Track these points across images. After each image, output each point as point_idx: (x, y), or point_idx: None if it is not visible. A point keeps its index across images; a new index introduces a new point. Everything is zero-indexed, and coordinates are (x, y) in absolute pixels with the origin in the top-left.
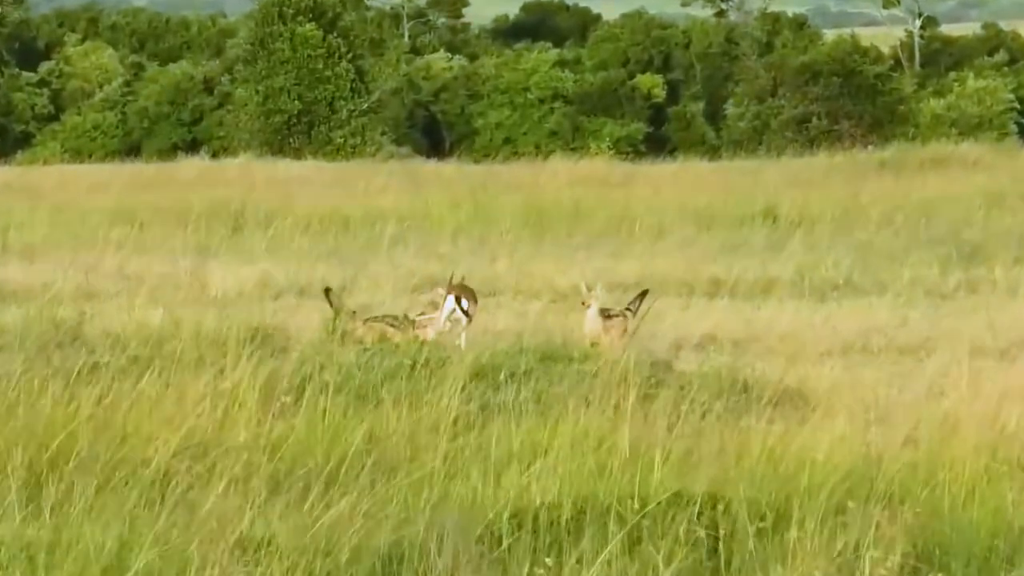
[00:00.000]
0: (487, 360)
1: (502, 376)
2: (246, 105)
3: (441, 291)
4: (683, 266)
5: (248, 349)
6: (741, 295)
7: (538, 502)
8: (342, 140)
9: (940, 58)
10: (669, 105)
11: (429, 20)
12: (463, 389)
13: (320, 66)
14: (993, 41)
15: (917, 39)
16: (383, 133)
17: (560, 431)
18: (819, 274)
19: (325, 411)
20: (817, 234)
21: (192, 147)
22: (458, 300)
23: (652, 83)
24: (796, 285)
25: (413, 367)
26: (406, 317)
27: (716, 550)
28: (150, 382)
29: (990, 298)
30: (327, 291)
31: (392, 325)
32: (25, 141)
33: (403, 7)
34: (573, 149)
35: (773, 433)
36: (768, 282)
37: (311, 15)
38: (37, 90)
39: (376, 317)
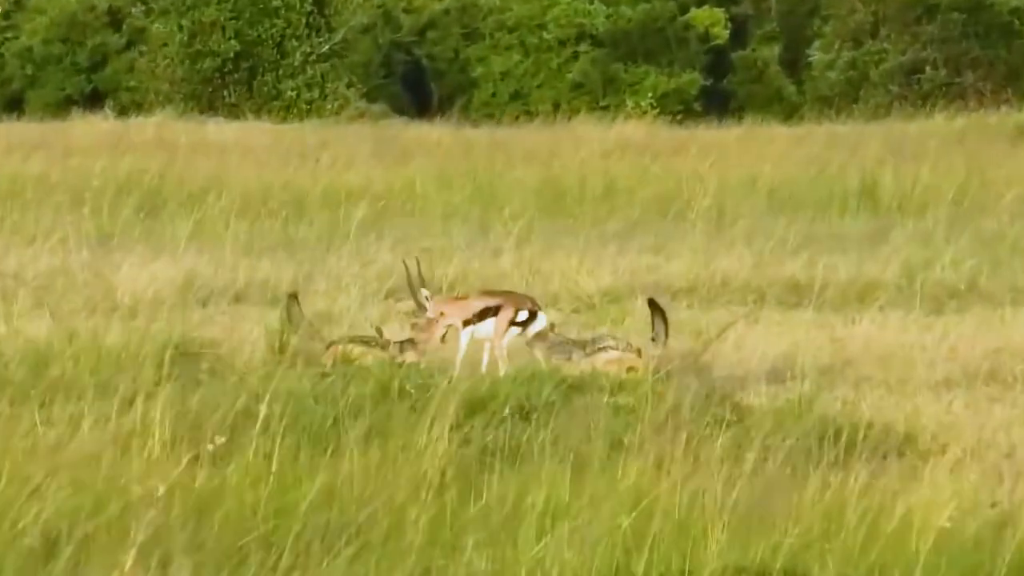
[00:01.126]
0: (488, 389)
1: (507, 410)
2: (165, 45)
3: (426, 296)
4: (751, 264)
5: (166, 372)
6: (829, 304)
7: None
8: (294, 93)
9: None
10: (734, 49)
11: None
12: (456, 427)
13: None
14: None
15: None
16: (350, 85)
17: (586, 486)
18: (933, 276)
19: (269, 457)
20: (932, 223)
21: (92, 101)
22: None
23: (712, 19)
24: (903, 291)
25: (387, 397)
26: (384, 338)
27: None
28: (30, 415)
29: None
30: (291, 298)
31: (367, 344)
32: None
33: None
34: (605, 108)
35: (872, 489)
36: (865, 287)
37: None
38: None
39: (352, 338)
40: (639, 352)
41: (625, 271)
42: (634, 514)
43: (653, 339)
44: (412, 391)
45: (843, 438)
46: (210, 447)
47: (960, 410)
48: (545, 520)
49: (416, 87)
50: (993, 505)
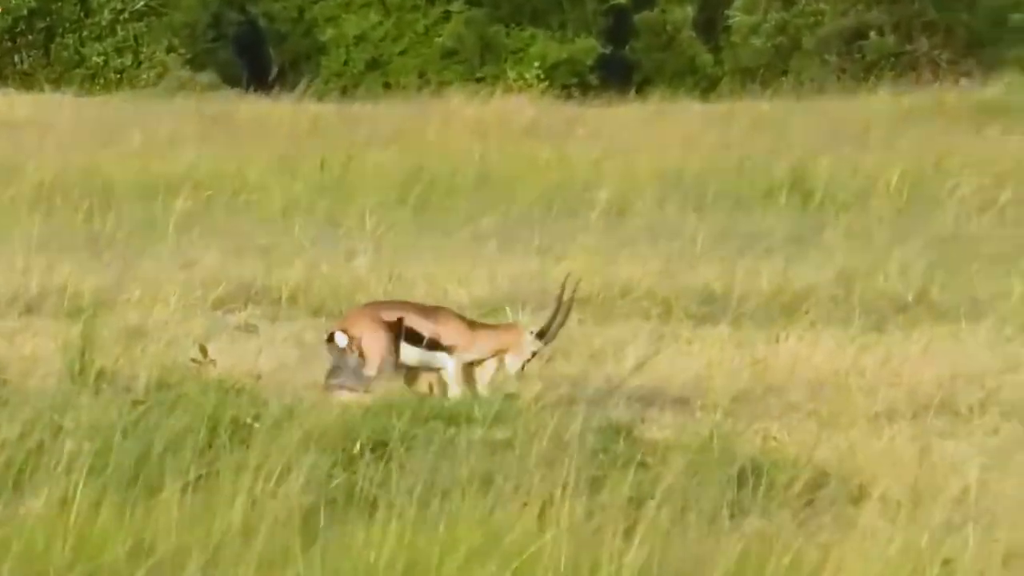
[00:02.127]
0: (337, 422)
1: (359, 447)
2: None
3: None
4: (657, 270)
5: None
6: (749, 318)
7: None
8: (101, 59)
9: None
10: (638, 10)
11: None
12: (298, 467)
13: None
14: None
15: None
16: (170, 49)
17: (455, 537)
18: (875, 286)
19: (67, 504)
20: (874, 221)
21: None
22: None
23: None
24: (838, 303)
25: (214, 431)
26: None
27: None
28: None
29: None
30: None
31: None
32: None
33: None
34: (481, 79)
35: (799, 541)
36: (793, 298)
37: None
38: None
39: None
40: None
41: (505, 277)
42: (511, 572)
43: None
44: (246, 423)
45: (764, 478)
46: None
47: (904, 446)
48: None
49: (252, 53)
50: (945, 562)
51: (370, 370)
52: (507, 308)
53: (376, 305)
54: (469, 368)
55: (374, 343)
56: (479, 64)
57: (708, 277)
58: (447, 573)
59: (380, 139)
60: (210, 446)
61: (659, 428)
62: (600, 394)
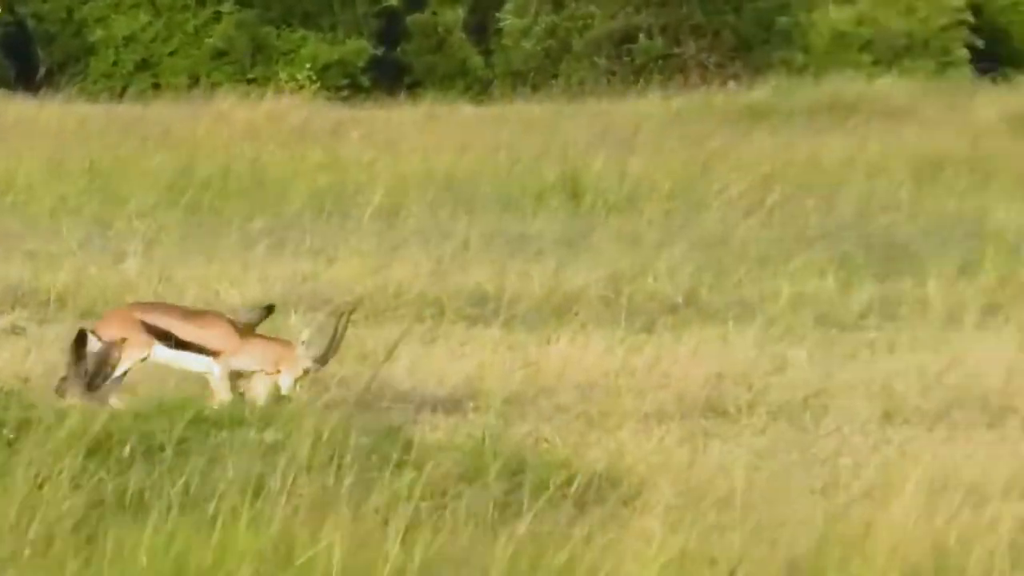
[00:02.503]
0: (106, 425)
1: (128, 450)
2: None
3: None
4: (428, 272)
5: None
6: (520, 320)
7: None
8: None
9: None
10: (409, 12)
11: None
12: (66, 472)
13: None
14: None
15: None
16: None
17: (227, 541)
18: (645, 288)
19: None
20: (644, 223)
21: None
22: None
23: None
24: (608, 305)
25: None
26: None
27: None
28: None
29: (918, 329)
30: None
31: None
32: None
33: None
34: (252, 81)
35: (571, 542)
36: (563, 300)
37: None
38: None
39: None
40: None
41: (277, 280)
42: (284, 572)
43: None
44: (7, 426)
45: (532, 478)
46: None
47: (673, 447)
48: None
49: (19, 54)
50: (712, 562)
51: (119, 371)
52: (293, 314)
53: (135, 307)
54: (242, 379)
55: (127, 345)
56: (250, 65)
57: (480, 279)
58: (218, 574)
59: (151, 140)
60: None
61: (431, 429)
62: (371, 396)
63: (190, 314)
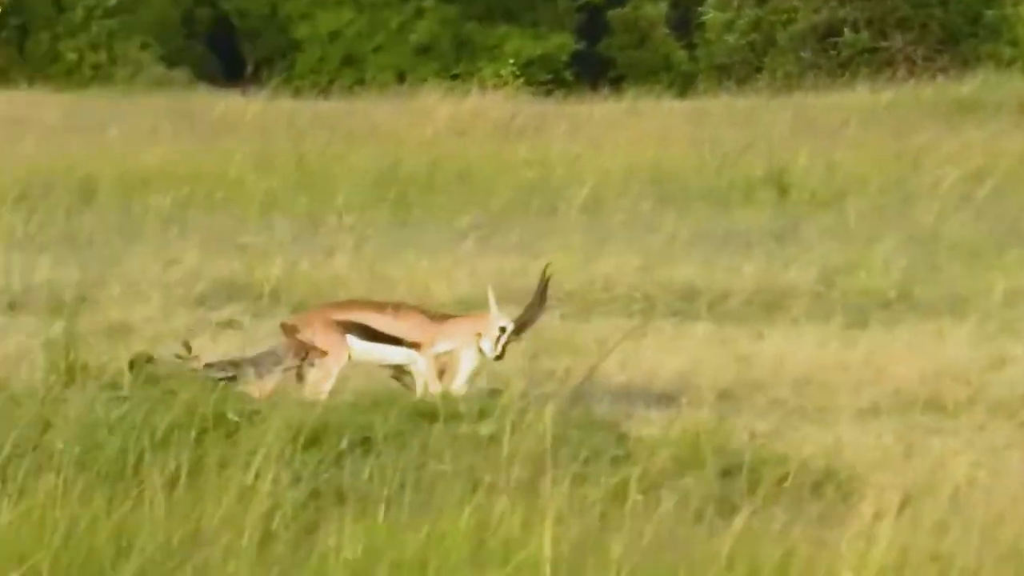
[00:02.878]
0: (322, 418)
1: (345, 443)
2: None
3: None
4: (637, 267)
5: None
6: (731, 315)
7: None
8: (76, 56)
9: None
10: (612, 7)
11: None
12: (284, 463)
13: None
14: None
15: None
16: (144, 46)
17: (440, 533)
18: (857, 282)
19: (53, 500)
20: (853, 217)
21: None
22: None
23: None
24: (820, 299)
25: (200, 426)
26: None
27: None
28: None
29: None
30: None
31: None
32: None
33: None
34: (457, 76)
35: (787, 538)
36: (775, 295)
37: None
38: None
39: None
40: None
41: (485, 275)
42: (502, 568)
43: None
44: (231, 419)
45: (747, 475)
46: None
47: (891, 443)
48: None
49: (226, 50)
50: (934, 558)
51: (323, 371)
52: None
53: (329, 307)
54: (450, 360)
55: (327, 345)
56: (454, 61)
57: (688, 273)
58: (433, 569)
59: (357, 136)
60: (196, 442)
61: (645, 424)
62: (585, 390)
63: (384, 308)
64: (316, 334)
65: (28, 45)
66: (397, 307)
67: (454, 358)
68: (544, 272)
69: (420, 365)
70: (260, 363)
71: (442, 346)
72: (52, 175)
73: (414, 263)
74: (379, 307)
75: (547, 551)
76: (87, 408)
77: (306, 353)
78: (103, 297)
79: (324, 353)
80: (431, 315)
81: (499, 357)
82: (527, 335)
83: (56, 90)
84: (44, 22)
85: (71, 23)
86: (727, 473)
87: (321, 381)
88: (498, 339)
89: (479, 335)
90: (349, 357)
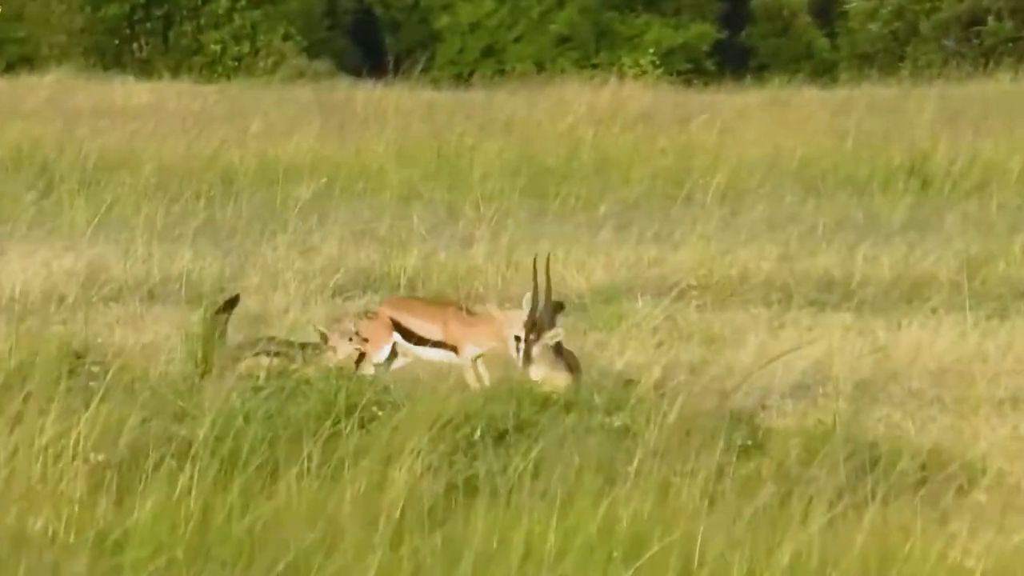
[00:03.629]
0: (456, 408)
1: (479, 434)
2: None
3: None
4: (775, 256)
5: (63, 385)
6: (869, 305)
7: None
8: (219, 47)
9: None
10: None
11: None
12: (418, 454)
13: None
14: None
15: None
16: (287, 37)
17: (574, 524)
18: (997, 272)
19: (189, 488)
20: (994, 207)
21: None
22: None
23: None
24: (959, 290)
25: (334, 417)
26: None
27: None
28: None
29: None
30: (229, 304)
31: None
32: None
33: None
34: (596, 66)
35: (923, 531)
36: (913, 284)
37: None
38: None
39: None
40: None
41: (622, 264)
42: (634, 562)
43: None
44: (367, 410)
45: (885, 467)
46: (109, 474)
47: None
48: (526, 567)
49: (367, 41)
50: None
51: (368, 365)
52: (639, 299)
53: (388, 302)
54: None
55: (371, 343)
56: (594, 51)
57: (827, 264)
58: (566, 559)
59: (495, 127)
60: (331, 432)
61: (780, 415)
62: (720, 381)
63: (428, 310)
64: (366, 326)
65: (172, 36)
66: (444, 308)
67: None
68: (535, 263)
69: (463, 363)
70: (309, 348)
71: (478, 349)
72: (193, 165)
73: (550, 252)
74: (426, 309)
75: (682, 543)
76: (224, 399)
77: (354, 340)
78: (242, 287)
79: (365, 342)
80: (467, 319)
81: (527, 363)
82: (554, 334)
83: (198, 81)
84: (188, 13)
85: (214, 14)
86: (862, 464)
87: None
88: (517, 347)
89: (506, 334)
90: (394, 353)
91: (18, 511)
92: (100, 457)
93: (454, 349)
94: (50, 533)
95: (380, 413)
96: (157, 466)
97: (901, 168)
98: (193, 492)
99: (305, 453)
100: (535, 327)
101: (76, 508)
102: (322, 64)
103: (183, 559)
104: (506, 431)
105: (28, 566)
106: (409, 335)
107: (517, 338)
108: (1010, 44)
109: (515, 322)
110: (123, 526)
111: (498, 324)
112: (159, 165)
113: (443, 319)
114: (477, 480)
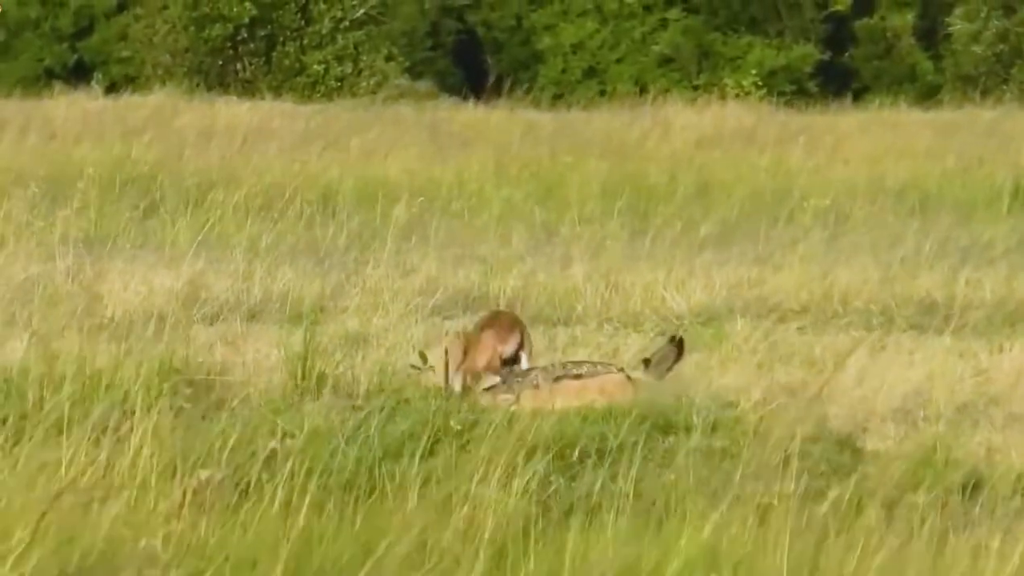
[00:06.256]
0: (553, 429)
1: (577, 454)
2: (165, 8)
3: None
4: (877, 279)
5: (164, 403)
6: (972, 328)
7: None
8: (322, 68)
9: None
10: (858, 17)
11: None
12: (516, 474)
13: None
14: None
15: None
16: (389, 58)
17: (672, 545)
18: None
19: (289, 507)
20: None
21: (77, 74)
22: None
23: None
24: None
25: (432, 436)
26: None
27: None
28: None
29: None
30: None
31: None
32: None
33: None
34: (698, 87)
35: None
36: (1017, 307)
37: None
38: None
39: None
40: (626, 376)
41: (722, 286)
42: None
43: (647, 362)
44: (461, 429)
45: (988, 492)
46: (207, 492)
47: None
48: None
49: (470, 61)
50: None
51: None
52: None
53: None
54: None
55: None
56: (696, 72)
57: (929, 286)
58: None
59: (596, 148)
60: (431, 452)
61: (880, 439)
62: (820, 403)
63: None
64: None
65: (275, 57)
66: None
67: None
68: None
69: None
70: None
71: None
72: (294, 185)
73: (650, 273)
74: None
75: (782, 566)
76: (323, 417)
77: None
78: (341, 307)
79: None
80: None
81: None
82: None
83: (300, 101)
84: (291, 34)
85: (318, 35)
86: (963, 489)
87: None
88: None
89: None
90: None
91: (117, 529)
92: (205, 475)
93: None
94: (148, 551)
95: (478, 432)
96: (257, 485)
97: (1004, 190)
98: (291, 510)
99: (402, 472)
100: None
101: (176, 526)
102: (424, 84)
103: None
104: (604, 452)
105: None
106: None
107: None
108: None
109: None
110: (223, 547)
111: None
112: (260, 185)
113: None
114: (575, 499)
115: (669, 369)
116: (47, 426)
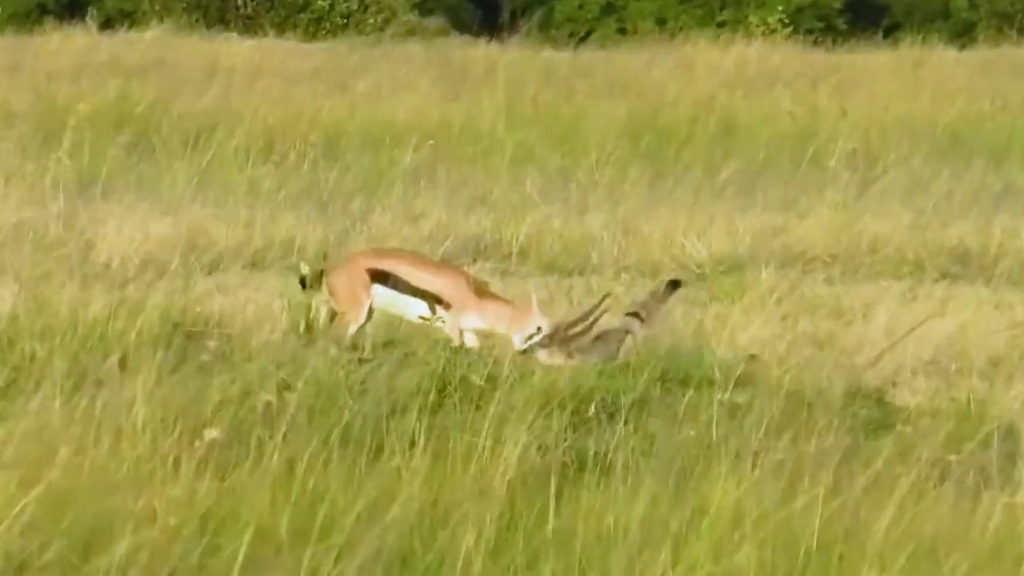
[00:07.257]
0: (568, 383)
1: (592, 409)
2: None
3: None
4: (907, 226)
5: (162, 355)
6: (1007, 278)
7: None
8: (327, 4)
9: None
10: None
11: None
12: (529, 429)
13: None
14: None
15: None
16: None
17: (694, 503)
18: None
19: (292, 464)
20: None
21: (70, 9)
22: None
23: None
24: None
25: (442, 390)
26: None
27: None
28: None
29: None
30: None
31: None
32: None
33: None
34: (721, 25)
35: None
36: None
37: None
38: None
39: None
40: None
41: (745, 233)
42: (761, 545)
43: (636, 315)
44: (474, 383)
45: (1022, 447)
46: (206, 447)
47: None
48: (641, 548)
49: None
50: None
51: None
52: (763, 270)
53: (366, 253)
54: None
55: (346, 303)
56: (719, 8)
57: (963, 234)
58: (687, 539)
59: (614, 88)
60: (439, 406)
61: (911, 393)
62: (846, 356)
63: (428, 264)
64: (338, 289)
65: None
66: (442, 265)
67: (486, 335)
68: (602, 300)
69: (448, 323)
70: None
71: (472, 321)
72: (297, 126)
73: (670, 220)
74: (421, 261)
75: (808, 523)
76: (328, 370)
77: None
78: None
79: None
80: (476, 287)
81: (523, 352)
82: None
83: (304, 38)
84: None
85: None
86: (996, 444)
87: (341, 331)
88: (530, 336)
89: (512, 329)
90: (371, 310)
91: (118, 489)
92: (211, 435)
93: (446, 306)
94: (146, 509)
95: (483, 385)
96: (260, 442)
97: None
98: (295, 466)
99: (413, 427)
100: (560, 338)
101: (175, 484)
102: (434, 21)
103: (285, 533)
104: (619, 407)
105: (129, 546)
106: (400, 285)
107: (539, 328)
108: None
109: (534, 316)
110: (223, 505)
111: (511, 310)
112: (262, 126)
113: (447, 274)
114: (590, 456)
115: (662, 318)
116: (38, 379)
